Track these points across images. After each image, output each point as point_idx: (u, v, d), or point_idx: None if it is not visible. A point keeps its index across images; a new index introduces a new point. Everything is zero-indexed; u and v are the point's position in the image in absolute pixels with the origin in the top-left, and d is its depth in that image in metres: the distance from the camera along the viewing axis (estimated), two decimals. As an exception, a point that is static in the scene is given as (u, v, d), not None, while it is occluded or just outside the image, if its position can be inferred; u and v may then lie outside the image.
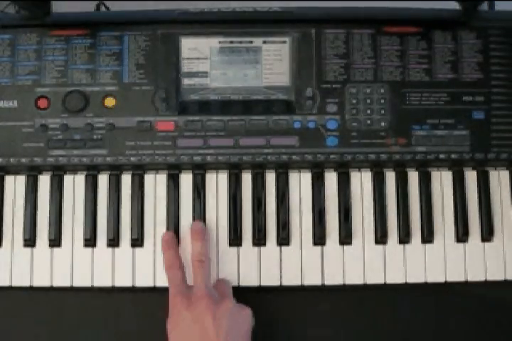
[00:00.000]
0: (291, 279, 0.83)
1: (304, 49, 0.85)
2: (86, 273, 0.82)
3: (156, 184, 0.85)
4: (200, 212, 0.84)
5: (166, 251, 0.81)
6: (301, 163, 0.84)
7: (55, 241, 0.82)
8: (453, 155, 0.84)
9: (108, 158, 0.83)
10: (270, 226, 0.84)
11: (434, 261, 0.83)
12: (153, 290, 0.82)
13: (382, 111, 0.84)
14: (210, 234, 0.83)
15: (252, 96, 0.85)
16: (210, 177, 0.85)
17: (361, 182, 0.85)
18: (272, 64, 0.85)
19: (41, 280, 0.82)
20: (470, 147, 0.84)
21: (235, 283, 0.82)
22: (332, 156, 0.84)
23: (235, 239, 0.83)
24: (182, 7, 0.86)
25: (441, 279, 0.83)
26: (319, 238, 0.83)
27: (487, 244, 0.84)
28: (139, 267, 0.82)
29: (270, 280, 0.83)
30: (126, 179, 0.85)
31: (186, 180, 0.85)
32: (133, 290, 0.82)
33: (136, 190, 0.84)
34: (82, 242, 0.83)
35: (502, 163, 0.85)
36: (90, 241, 0.83)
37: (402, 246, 0.84)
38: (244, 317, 0.77)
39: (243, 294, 0.80)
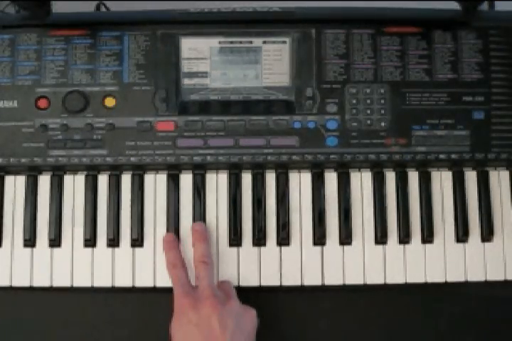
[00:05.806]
0: (291, 279, 0.83)
1: (303, 49, 0.85)
2: (86, 273, 0.82)
3: (156, 184, 0.85)
4: (200, 212, 0.84)
5: (168, 251, 0.81)
6: (301, 163, 0.84)
7: (55, 241, 0.82)
8: (453, 156, 0.84)
9: (108, 158, 0.83)
10: (270, 226, 0.84)
11: (434, 261, 0.83)
12: (153, 290, 0.82)
13: (382, 111, 0.84)
14: (210, 234, 0.83)
15: (252, 96, 0.85)
16: (210, 178, 0.85)
17: (361, 182, 0.85)
18: (272, 64, 0.85)
19: (41, 280, 0.82)
20: (470, 147, 0.84)
21: (235, 283, 0.82)
22: (332, 156, 0.84)
23: (235, 239, 0.83)
24: (182, 7, 0.86)
25: (441, 279, 0.83)
26: (319, 238, 0.83)
27: (487, 244, 0.84)
28: (139, 267, 0.82)
29: (270, 280, 0.83)
30: (126, 179, 0.84)
31: (186, 180, 0.85)
32: (133, 290, 0.82)
33: (136, 190, 0.84)
34: (82, 242, 0.83)
35: (502, 163, 0.85)
36: (90, 241, 0.83)
37: (402, 246, 0.84)
38: (249, 318, 0.77)
39: (243, 294, 0.80)
